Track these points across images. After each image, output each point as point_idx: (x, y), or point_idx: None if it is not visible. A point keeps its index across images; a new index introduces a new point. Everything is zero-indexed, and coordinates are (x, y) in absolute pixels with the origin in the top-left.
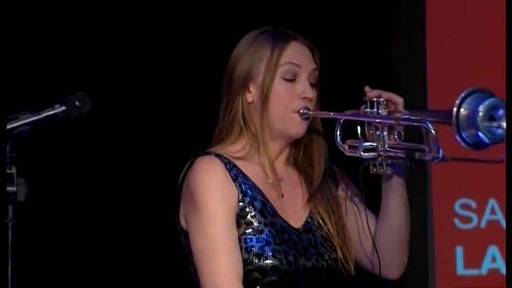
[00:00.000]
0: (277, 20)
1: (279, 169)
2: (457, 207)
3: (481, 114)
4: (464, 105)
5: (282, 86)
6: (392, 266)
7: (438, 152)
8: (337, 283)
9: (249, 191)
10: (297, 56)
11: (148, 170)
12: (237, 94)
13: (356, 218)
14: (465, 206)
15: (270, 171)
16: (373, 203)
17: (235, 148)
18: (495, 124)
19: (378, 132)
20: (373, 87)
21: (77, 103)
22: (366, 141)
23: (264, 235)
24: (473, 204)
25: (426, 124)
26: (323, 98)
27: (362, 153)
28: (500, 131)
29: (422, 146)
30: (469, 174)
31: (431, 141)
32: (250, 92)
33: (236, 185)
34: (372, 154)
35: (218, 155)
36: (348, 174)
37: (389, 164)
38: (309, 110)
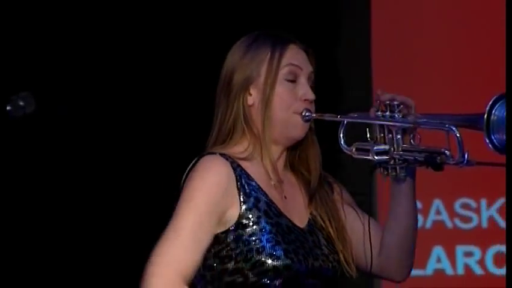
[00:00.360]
0: (224, 20)
1: (279, 171)
2: None
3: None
4: (494, 109)
5: (284, 88)
6: (400, 269)
7: (463, 156)
8: (338, 284)
9: (253, 192)
10: (297, 58)
11: (148, 172)
12: (237, 97)
13: (356, 221)
14: None
15: (273, 173)
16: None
17: (238, 149)
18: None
19: (391, 135)
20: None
21: (21, 103)
22: (377, 143)
23: (272, 235)
24: (418, 205)
25: (451, 128)
26: None
27: (374, 156)
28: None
29: (443, 149)
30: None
31: (456, 145)
32: (250, 95)
33: (238, 187)
34: (384, 157)
35: (223, 155)
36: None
37: (402, 167)
38: (311, 112)
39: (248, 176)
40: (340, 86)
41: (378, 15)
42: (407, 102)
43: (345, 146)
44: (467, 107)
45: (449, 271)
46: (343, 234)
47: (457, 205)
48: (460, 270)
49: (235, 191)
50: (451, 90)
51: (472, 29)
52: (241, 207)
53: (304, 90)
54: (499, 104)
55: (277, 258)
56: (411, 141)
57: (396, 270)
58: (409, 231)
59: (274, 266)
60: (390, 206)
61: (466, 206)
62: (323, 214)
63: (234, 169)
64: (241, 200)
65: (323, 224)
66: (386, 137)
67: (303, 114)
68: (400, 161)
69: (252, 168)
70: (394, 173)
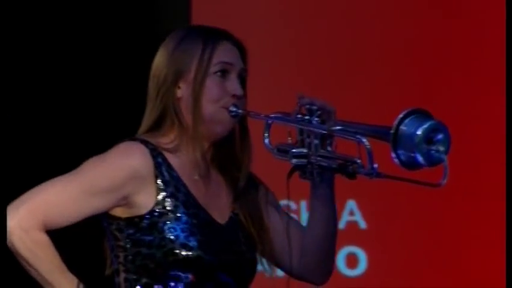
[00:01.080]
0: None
1: (205, 166)
2: None
3: (420, 135)
4: (403, 124)
5: (214, 82)
6: (319, 273)
7: (372, 168)
8: (251, 282)
9: (173, 181)
10: (228, 54)
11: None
12: (167, 90)
13: (278, 223)
14: None
15: (198, 167)
16: None
17: (164, 140)
18: (434, 147)
19: (309, 140)
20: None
21: None
22: (297, 146)
23: (188, 225)
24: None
25: (360, 139)
26: None
27: (292, 159)
28: (437, 154)
29: (356, 159)
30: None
31: (366, 156)
32: (179, 88)
33: (156, 174)
34: (302, 161)
35: (144, 141)
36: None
37: (318, 173)
38: (238, 108)
39: (169, 166)
40: None
41: (199, 18)
42: (327, 108)
43: (269, 145)
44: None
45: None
46: (264, 234)
47: None
48: None
49: (152, 178)
50: (274, 90)
51: (296, 26)
52: (158, 195)
53: (234, 86)
54: (409, 119)
55: (190, 248)
56: (329, 147)
57: (316, 273)
58: (326, 236)
59: (185, 256)
60: (309, 210)
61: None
62: (246, 213)
63: (154, 157)
64: (159, 187)
65: (244, 222)
66: (305, 141)
67: (230, 109)
68: (316, 166)
69: (176, 160)
70: (311, 177)
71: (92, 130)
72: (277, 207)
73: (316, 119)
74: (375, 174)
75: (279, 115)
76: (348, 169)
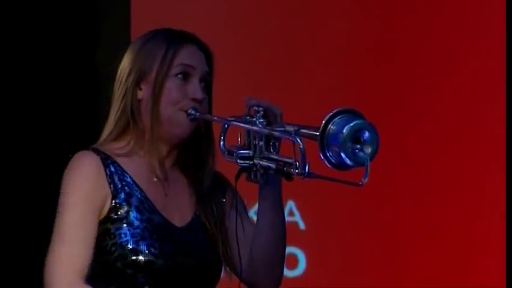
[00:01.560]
0: None
1: (166, 169)
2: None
3: (345, 135)
4: (331, 124)
5: (174, 85)
6: (267, 279)
7: (304, 167)
8: (215, 284)
9: (126, 187)
10: (191, 57)
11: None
12: (128, 91)
13: (235, 226)
14: None
15: (157, 169)
16: None
17: (119, 145)
18: (358, 146)
19: (255, 142)
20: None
21: None
22: (244, 148)
23: (139, 230)
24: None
25: (295, 138)
26: None
27: (238, 160)
28: (362, 154)
29: (291, 159)
30: None
31: (299, 156)
32: (140, 89)
33: (109, 181)
34: (247, 162)
35: (96, 150)
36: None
37: (262, 174)
38: (197, 111)
39: (123, 172)
40: (100, 92)
41: (138, 19)
42: (273, 110)
43: (222, 148)
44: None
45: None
46: (226, 236)
47: None
48: None
49: (106, 185)
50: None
51: (232, 36)
52: (111, 202)
53: (194, 89)
54: (338, 118)
55: (140, 253)
56: (271, 149)
57: (263, 279)
58: (273, 241)
59: (136, 261)
60: (257, 214)
61: None
62: (208, 215)
63: (106, 165)
64: (112, 194)
65: (207, 224)
66: (252, 143)
67: (189, 112)
68: (260, 168)
69: (131, 164)
70: (255, 179)
71: (30, 130)
72: (243, 211)
73: (261, 120)
74: (307, 175)
75: (233, 118)
76: (283, 170)
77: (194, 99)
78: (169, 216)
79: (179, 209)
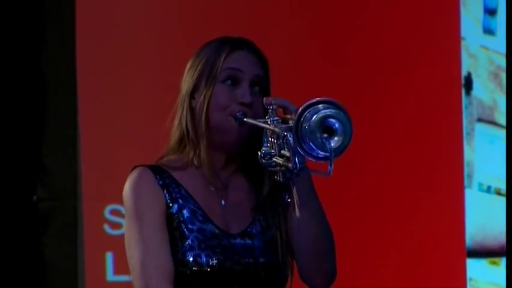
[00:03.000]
0: None
1: (226, 176)
2: (107, 213)
3: (313, 124)
4: (305, 114)
5: (221, 90)
6: (317, 275)
7: (294, 162)
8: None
9: (180, 200)
10: (238, 62)
11: None
12: (183, 102)
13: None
14: (115, 212)
15: (211, 180)
16: None
17: (177, 157)
18: (325, 136)
19: (272, 140)
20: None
21: None
22: (265, 147)
23: (188, 241)
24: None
25: (288, 134)
26: None
27: (261, 159)
28: (327, 143)
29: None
30: (120, 179)
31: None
32: (194, 99)
33: (165, 192)
34: (269, 161)
35: (151, 166)
36: None
37: (282, 173)
38: (245, 115)
39: (178, 185)
40: (46, 91)
41: (83, 19)
42: (288, 107)
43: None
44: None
45: None
46: (286, 238)
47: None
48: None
49: (162, 196)
50: (156, 95)
51: (179, 36)
52: (165, 212)
53: (242, 93)
54: (308, 111)
55: (186, 263)
56: (285, 146)
57: (313, 275)
58: (313, 237)
59: (181, 272)
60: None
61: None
62: (270, 217)
63: (160, 178)
64: (166, 205)
65: (266, 227)
66: (272, 141)
67: (237, 116)
68: (280, 167)
69: (186, 177)
70: (278, 178)
71: None
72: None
73: (276, 118)
74: (298, 170)
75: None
76: (288, 166)
77: (242, 103)
78: (224, 224)
79: (237, 216)
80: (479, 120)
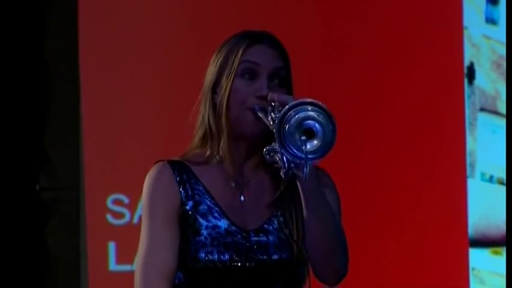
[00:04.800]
0: None
1: (247, 171)
2: (109, 203)
3: (292, 126)
4: (289, 115)
5: (240, 84)
6: (326, 272)
7: (283, 163)
8: (286, 285)
9: (196, 196)
10: (256, 55)
11: None
12: (205, 97)
13: None
14: (117, 202)
15: (232, 174)
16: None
17: (199, 152)
18: (304, 138)
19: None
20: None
21: None
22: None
23: (202, 238)
24: (126, 200)
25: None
26: None
27: (265, 155)
28: (303, 145)
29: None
30: (122, 169)
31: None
32: (216, 94)
33: (180, 190)
34: (273, 158)
35: (171, 161)
36: None
37: (282, 168)
38: (263, 109)
39: (196, 180)
40: (48, 81)
41: (86, 8)
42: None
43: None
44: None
45: None
46: (303, 236)
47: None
48: None
49: (177, 193)
50: (159, 86)
51: (182, 27)
52: (181, 209)
53: (259, 86)
54: (294, 110)
55: (198, 260)
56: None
57: (322, 272)
58: (318, 235)
59: (193, 269)
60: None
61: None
62: (288, 213)
63: (179, 174)
64: (181, 202)
65: (283, 223)
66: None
67: (255, 110)
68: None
69: (206, 172)
70: (282, 175)
71: None
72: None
73: (278, 115)
74: (286, 171)
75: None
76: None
77: (259, 97)
78: (241, 220)
79: (255, 211)
80: (482, 110)
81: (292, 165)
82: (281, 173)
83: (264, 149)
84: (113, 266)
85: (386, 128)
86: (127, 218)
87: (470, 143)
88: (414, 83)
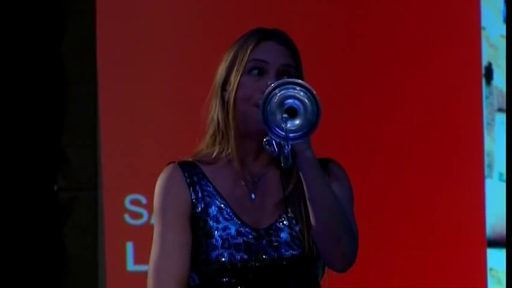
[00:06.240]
0: None
1: (257, 169)
2: (127, 203)
3: (274, 106)
4: (272, 95)
5: (247, 81)
6: (332, 258)
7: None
8: (299, 281)
9: (207, 197)
10: (264, 52)
11: None
12: (215, 95)
13: None
14: (136, 202)
15: (241, 173)
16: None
17: (210, 151)
18: (285, 116)
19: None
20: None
21: None
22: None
23: (213, 240)
24: (144, 200)
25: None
26: None
27: (265, 146)
28: (286, 125)
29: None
30: (140, 169)
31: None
32: (225, 91)
33: (190, 192)
34: (271, 148)
35: (182, 163)
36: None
37: (280, 151)
38: None
39: (207, 182)
40: (66, 81)
41: (104, 9)
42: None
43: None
44: (191, 102)
45: None
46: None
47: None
48: None
49: (188, 196)
50: (176, 85)
51: (198, 27)
52: (191, 212)
53: (266, 83)
54: (278, 89)
55: (209, 263)
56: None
57: (331, 258)
58: (321, 219)
59: (205, 272)
60: None
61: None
62: (297, 210)
63: (189, 176)
64: (192, 204)
65: (294, 220)
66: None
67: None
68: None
69: (217, 172)
70: (282, 162)
71: None
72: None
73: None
74: (276, 154)
75: None
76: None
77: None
78: (252, 219)
79: (266, 210)
80: (500, 110)
81: (284, 150)
82: (282, 164)
83: (264, 139)
84: (131, 266)
85: (405, 128)
86: (145, 218)
87: (488, 144)
88: (432, 84)
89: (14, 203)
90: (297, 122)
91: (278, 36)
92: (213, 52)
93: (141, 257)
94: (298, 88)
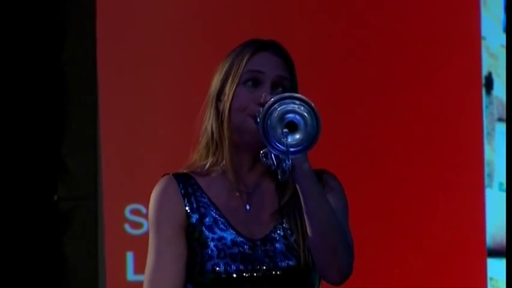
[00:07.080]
0: None
1: (252, 180)
2: (127, 213)
3: (274, 120)
4: (272, 109)
5: (243, 91)
6: (328, 271)
7: (272, 159)
8: None
9: (202, 208)
10: (260, 63)
11: None
12: (211, 105)
13: None
14: (136, 212)
15: (235, 184)
16: None
17: (204, 163)
18: (286, 131)
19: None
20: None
21: None
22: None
23: (208, 250)
24: (144, 210)
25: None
26: None
27: (262, 158)
28: (286, 139)
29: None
30: (140, 178)
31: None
32: (220, 101)
33: (185, 203)
34: (270, 162)
35: (177, 174)
36: None
37: (279, 165)
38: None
39: (202, 193)
40: (67, 91)
41: (104, 19)
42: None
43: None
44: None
45: None
46: (305, 241)
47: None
48: None
49: (182, 207)
50: (177, 95)
51: (199, 39)
52: (186, 223)
53: (261, 94)
54: (278, 104)
55: (205, 273)
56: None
57: (327, 271)
58: (317, 232)
59: (200, 282)
60: None
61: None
62: (293, 220)
63: (184, 187)
64: (187, 215)
65: (289, 231)
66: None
67: (256, 117)
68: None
69: (211, 182)
70: (280, 176)
71: None
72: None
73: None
74: (275, 167)
75: None
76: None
77: (260, 104)
78: (247, 230)
79: (261, 220)
80: (500, 119)
81: (283, 164)
82: (279, 177)
83: (261, 152)
84: (131, 276)
85: (405, 138)
86: (145, 228)
87: (488, 153)
88: (432, 93)
89: (14, 213)
90: (298, 136)
91: (274, 48)
92: (214, 64)
93: (141, 266)
94: (297, 102)
